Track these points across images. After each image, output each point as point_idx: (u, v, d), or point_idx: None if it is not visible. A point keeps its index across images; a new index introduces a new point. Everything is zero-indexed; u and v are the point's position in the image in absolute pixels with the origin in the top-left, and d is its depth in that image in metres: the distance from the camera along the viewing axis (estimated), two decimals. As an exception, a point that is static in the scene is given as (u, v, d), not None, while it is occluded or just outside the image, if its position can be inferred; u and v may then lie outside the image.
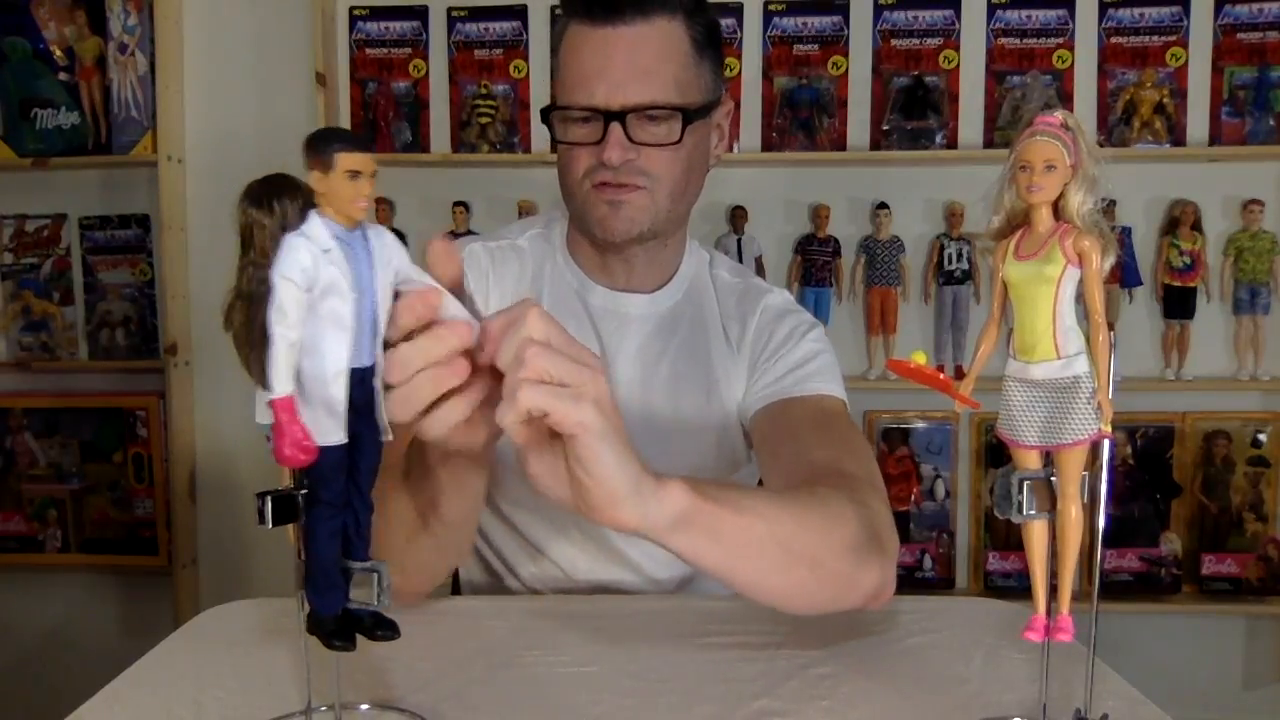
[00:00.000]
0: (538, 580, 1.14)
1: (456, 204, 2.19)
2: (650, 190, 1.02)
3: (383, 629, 0.63)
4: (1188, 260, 2.12)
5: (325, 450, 0.58)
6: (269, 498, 0.61)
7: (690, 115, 1.01)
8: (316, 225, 0.57)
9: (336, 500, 0.61)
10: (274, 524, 0.61)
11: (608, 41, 0.99)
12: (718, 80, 1.07)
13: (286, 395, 0.56)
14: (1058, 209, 0.62)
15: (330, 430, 0.58)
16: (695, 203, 1.11)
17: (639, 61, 0.99)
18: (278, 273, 0.55)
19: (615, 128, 0.99)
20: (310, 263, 0.56)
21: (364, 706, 0.74)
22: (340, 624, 0.62)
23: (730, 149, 2.16)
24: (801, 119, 2.16)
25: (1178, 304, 2.14)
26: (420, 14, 2.22)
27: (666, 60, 1.00)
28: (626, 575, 1.12)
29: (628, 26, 0.99)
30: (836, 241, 2.18)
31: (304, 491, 0.62)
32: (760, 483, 1.12)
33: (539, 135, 2.16)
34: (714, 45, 1.06)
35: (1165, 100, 2.11)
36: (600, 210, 1.03)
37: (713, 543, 0.72)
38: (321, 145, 0.56)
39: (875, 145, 2.16)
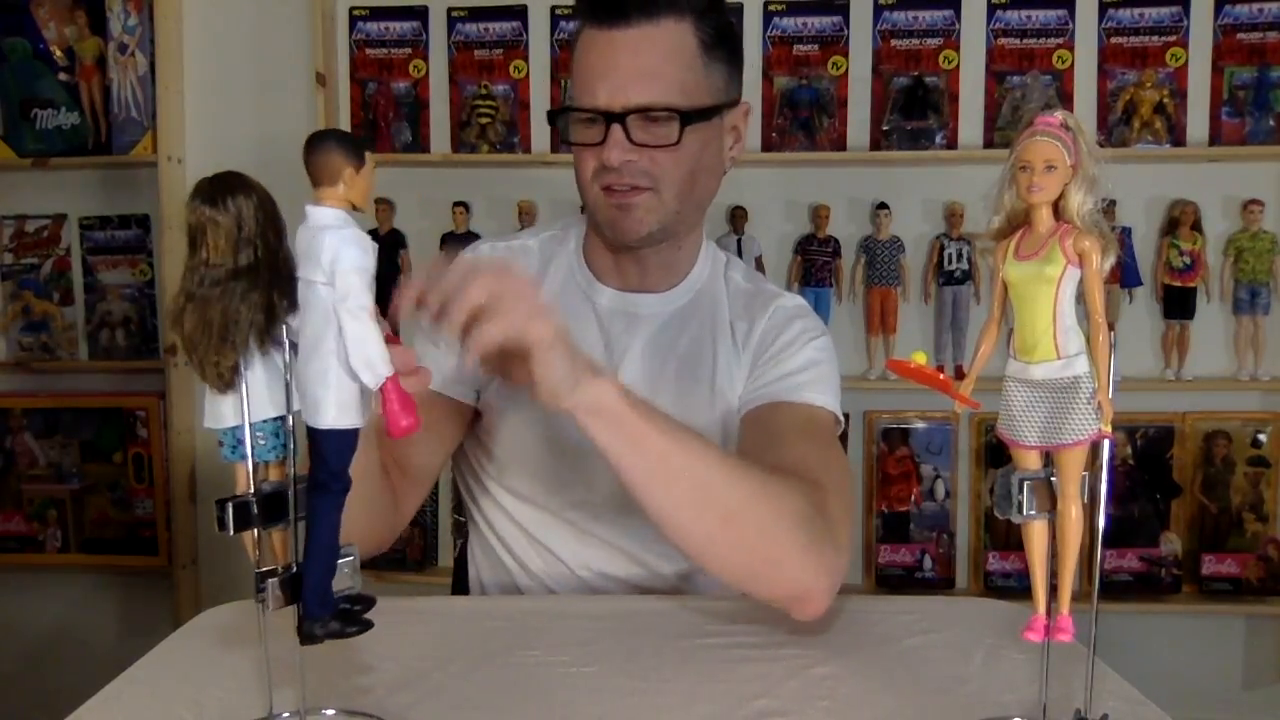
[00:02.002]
0: (546, 574, 1.15)
1: (456, 204, 2.19)
2: (656, 191, 1.03)
3: (362, 604, 0.65)
4: (1188, 260, 2.12)
5: (350, 433, 0.59)
6: (230, 504, 0.62)
7: (690, 117, 1.01)
8: (347, 217, 0.59)
9: (347, 484, 0.61)
10: (235, 530, 0.62)
11: (612, 43, 1.00)
12: (731, 82, 1.07)
13: (394, 373, 0.58)
14: (1058, 209, 0.62)
15: (362, 413, 0.60)
16: (708, 204, 1.12)
17: (642, 63, 0.99)
18: (352, 267, 0.57)
19: (615, 129, 1.00)
20: (368, 252, 0.58)
21: (329, 711, 0.73)
22: (338, 613, 0.63)
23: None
24: (801, 119, 2.16)
25: (1178, 304, 2.13)
26: (420, 14, 2.22)
27: (670, 62, 1.00)
28: (629, 568, 1.13)
29: (633, 28, 0.99)
30: (836, 241, 2.18)
31: (283, 488, 0.63)
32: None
33: (539, 135, 2.16)
34: (726, 47, 1.05)
35: (1165, 100, 2.11)
36: (609, 213, 1.04)
37: (631, 449, 0.81)
38: (360, 145, 0.59)
39: (875, 145, 2.16)
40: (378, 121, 2.22)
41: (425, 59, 2.22)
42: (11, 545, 2.34)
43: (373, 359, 0.57)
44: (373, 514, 1.01)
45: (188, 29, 2.25)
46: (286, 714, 0.70)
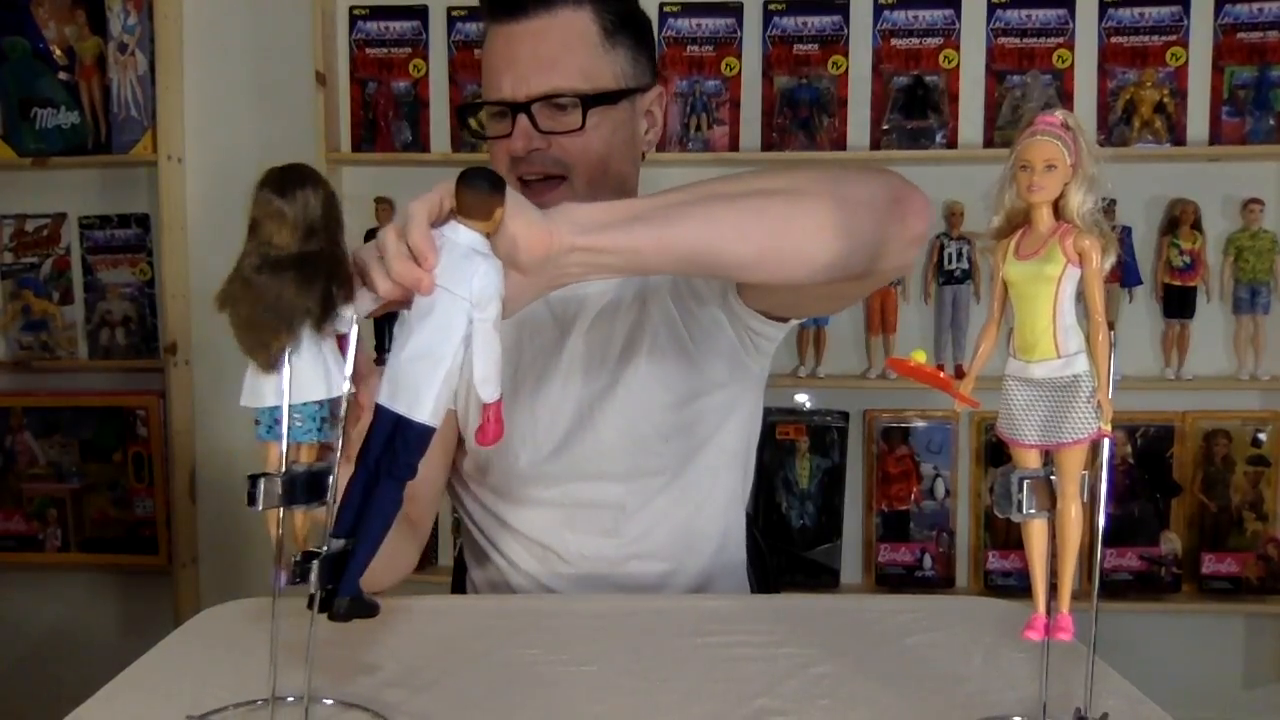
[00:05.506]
0: (536, 570, 1.15)
1: (456, 204, 2.19)
2: (569, 180, 1.04)
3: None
4: (1188, 260, 2.12)
5: (433, 431, 0.63)
6: (262, 480, 0.64)
7: (593, 101, 1.02)
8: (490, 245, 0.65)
9: (413, 475, 0.64)
10: (264, 507, 0.64)
11: (512, 37, 1.03)
12: (640, 67, 1.08)
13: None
14: (1058, 208, 0.62)
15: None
16: (629, 190, 1.11)
17: (542, 53, 1.02)
18: (498, 293, 0.64)
19: (521, 119, 1.02)
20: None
21: (328, 701, 0.74)
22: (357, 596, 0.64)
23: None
24: (801, 119, 2.16)
25: (1178, 303, 2.13)
26: (420, 14, 2.22)
27: (570, 50, 1.02)
28: (624, 556, 1.13)
29: (531, 20, 1.02)
30: (836, 241, 2.17)
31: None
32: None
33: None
34: (632, 32, 1.06)
35: (1165, 100, 2.11)
36: None
37: (652, 233, 0.73)
38: (504, 187, 0.65)
39: (875, 145, 2.16)
40: (378, 121, 2.22)
41: (425, 59, 2.22)
42: (11, 545, 2.34)
43: (492, 376, 0.64)
44: (400, 544, 1.06)
45: (188, 29, 2.26)
46: (291, 698, 0.71)
